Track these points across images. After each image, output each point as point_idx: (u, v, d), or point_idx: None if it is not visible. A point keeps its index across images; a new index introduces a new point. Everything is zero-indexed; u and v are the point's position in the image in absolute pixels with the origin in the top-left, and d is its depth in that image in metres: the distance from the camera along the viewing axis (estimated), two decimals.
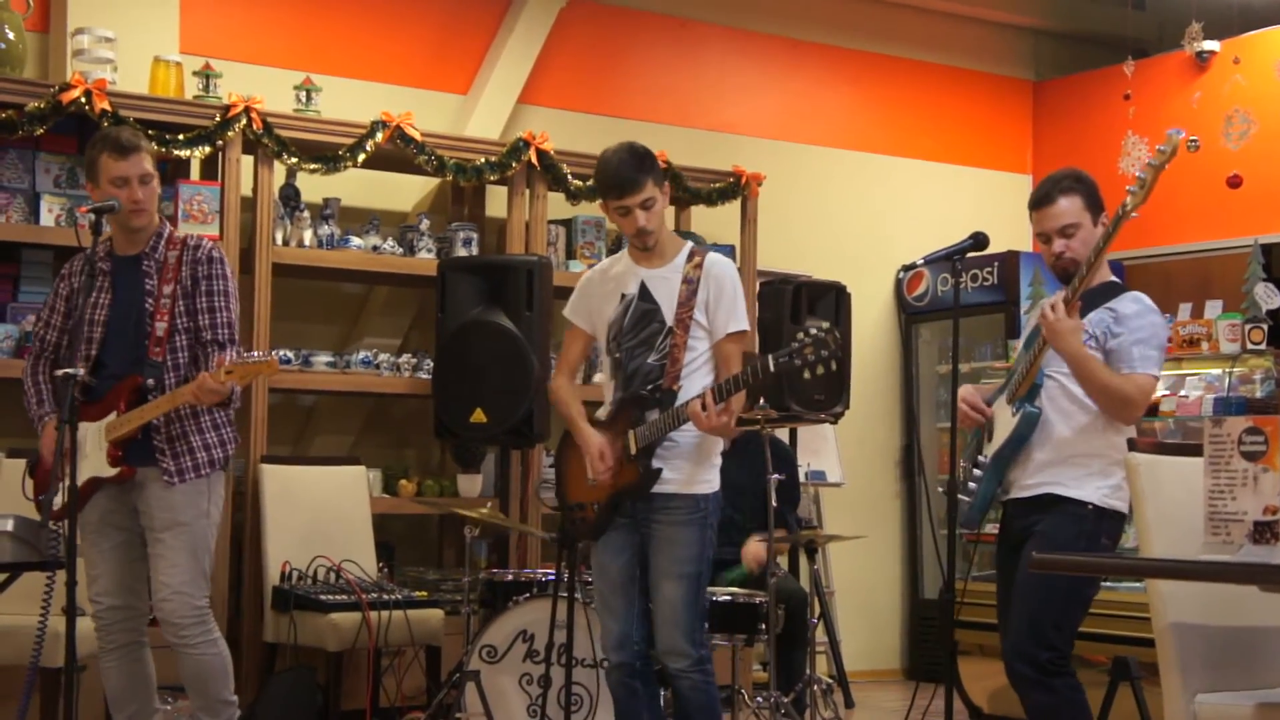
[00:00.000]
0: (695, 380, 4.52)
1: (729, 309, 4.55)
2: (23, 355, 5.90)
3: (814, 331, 4.29)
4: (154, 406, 4.58)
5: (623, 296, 4.63)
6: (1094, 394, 4.29)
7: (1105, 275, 4.47)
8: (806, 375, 4.31)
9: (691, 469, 4.53)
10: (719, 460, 4.62)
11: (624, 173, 4.52)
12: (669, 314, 4.55)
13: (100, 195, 4.66)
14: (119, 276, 4.73)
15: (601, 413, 4.68)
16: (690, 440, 4.52)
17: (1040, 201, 4.47)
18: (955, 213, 8.83)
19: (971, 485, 4.50)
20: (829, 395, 7.03)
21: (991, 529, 8.21)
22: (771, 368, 4.33)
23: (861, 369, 8.06)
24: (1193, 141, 7.88)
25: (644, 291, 4.60)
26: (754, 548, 6.02)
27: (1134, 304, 4.38)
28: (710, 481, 4.57)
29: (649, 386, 4.53)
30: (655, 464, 4.49)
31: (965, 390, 4.62)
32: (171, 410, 4.60)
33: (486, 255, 7.04)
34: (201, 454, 4.68)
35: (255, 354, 4.51)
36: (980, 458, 4.52)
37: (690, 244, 4.72)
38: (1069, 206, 4.42)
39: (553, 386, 4.86)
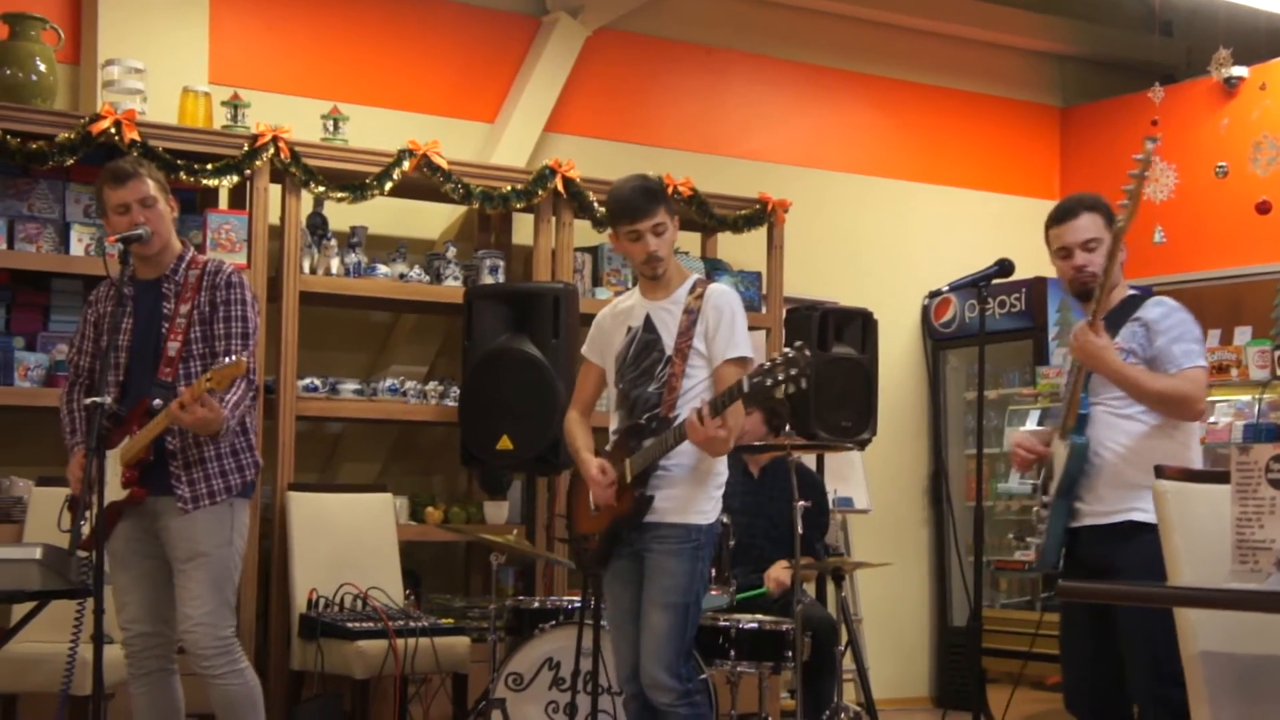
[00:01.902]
0: (693, 408, 4.53)
1: (727, 336, 4.55)
2: (53, 384, 5.94)
3: (787, 350, 4.31)
4: (154, 426, 4.56)
5: (629, 329, 4.66)
6: (1150, 403, 4.27)
7: (1123, 291, 4.48)
8: (779, 394, 4.33)
9: (685, 496, 4.51)
10: (717, 492, 4.60)
11: (636, 198, 4.56)
12: (669, 344, 4.57)
13: (110, 227, 4.70)
14: (140, 302, 4.75)
15: (608, 446, 4.70)
16: (684, 466, 4.51)
17: (1063, 216, 4.49)
18: (982, 239, 8.80)
19: (1041, 527, 4.47)
20: (856, 422, 7.02)
21: (1021, 556, 8.23)
22: (745, 388, 4.34)
23: (889, 395, 8.04)
24: (1221, 167, 7.87)
25: (648, 323, 4.63)
26: (777, 571, 6.01)
27: (1158, 307, 4.40)
28: (706, 512, 4.54)
29: (646, 415, 4.54)
30: (648, 492, 4.49)
31: (1019, 435, 4.65)
32: (190, 436, 4.60)
33: (513, 283, 7.06)
34: (218, 480, 4.67)
35: (228, 359, 4.48)
36: (1044, 498, 4.49)
37: (696, 276, 4.75)
38: (1091, 223, 4.45)
39: (565, 422, 4.88)
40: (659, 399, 4.54)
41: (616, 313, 4.76)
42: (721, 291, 4.64)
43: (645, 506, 4.49)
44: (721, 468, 4.60)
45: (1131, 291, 4.51)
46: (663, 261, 4.60)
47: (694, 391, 4.54)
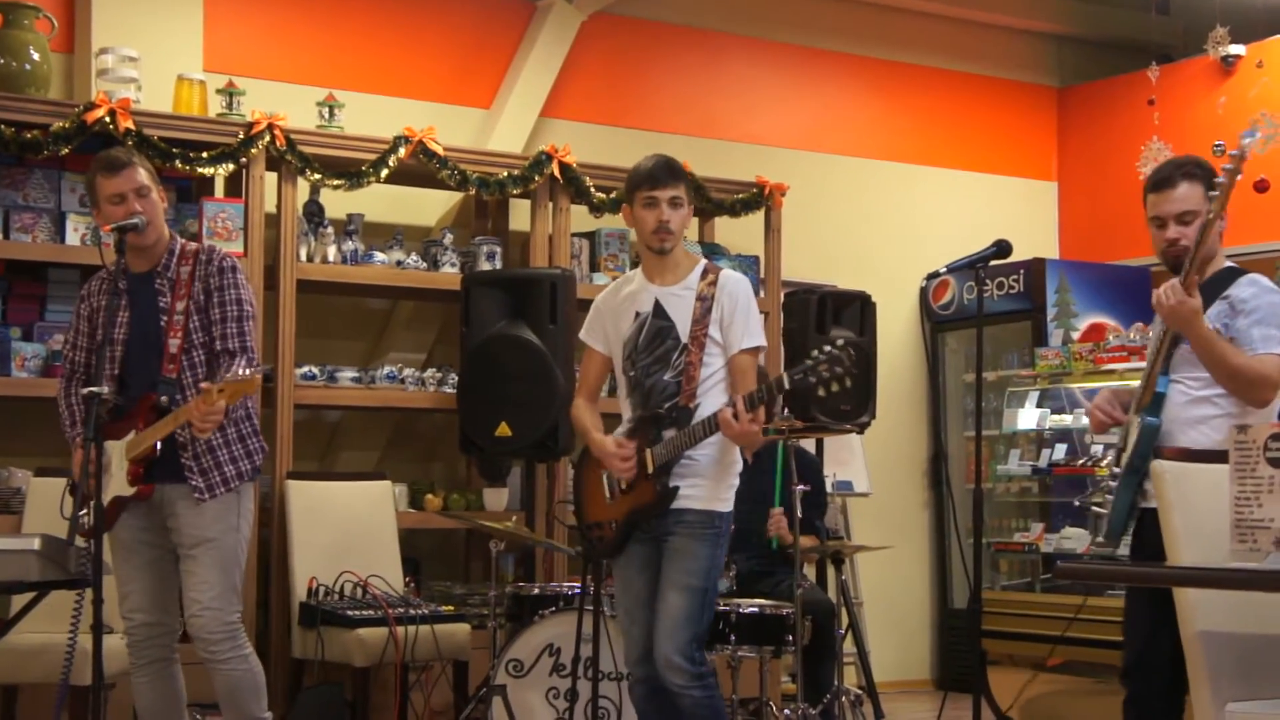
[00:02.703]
0: (711, 397, 4.52)
1: (742, 325, 4.55)
2: (50, 374, 5.94)
3: (829, 348, 4.29)
4: (161, 425, 4.58)
5: (637, 315, 4.63)
6: (1223, 377, 4.15)
7: (1220, 263, 4.31)
8: (821, 393, 4.32)
9: (709, 486, 4.53)
10: (736, 480, 4.61)
11: (659, 169, 4.59)
12: (684, 331, 4.55)
13: (102, 218, 4.69)
14: (135, 294, 4.74)
15: (619, 431, 4.67)
16: (709, 458, 4.52)
17: (1161, 184, 4.30)
18: (980, 220, 8.81)
19: (1109, 498, 4.33)
20: (855, 405, 7.01)
21: (1020, 538, 8.23)
22: (786, 385, 4.34)
23: (887, 378, 8.03)
24: (1218, 146, 7.85)
25: (658, 309, 4.60)
26: (779, 518, 5.99)
27: (1250, 287, 4.25)
28: (727, 500, 4.57)
29: (666, 404, 4.53)
30: (672, 483, 4.49)
31: (1101, 396, 4.46)
32: None
33: (510, 269, 7.05)
34: (229, 468, 4.69)
35: (241, 371, 4.49)
36: (1115, 469, 4.35)
37: (705, 261, 4.73)
38: (1189, 193, 4.25)
39: (572, 408, 4.86)
40: (677, 387, 4.53)
41: (620, 297, 4.73)
42: (736, 279, 4.63)
43: (670, 497, 4.49)
44: (739, 457, 4.62)
45: (1229, 264, 4.34)
46: (672, 235, 4.59)
47: (711, 380, 4.54)
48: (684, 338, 4.54)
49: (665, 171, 4.58)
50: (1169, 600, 4.22)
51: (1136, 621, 4.34)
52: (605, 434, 4.64)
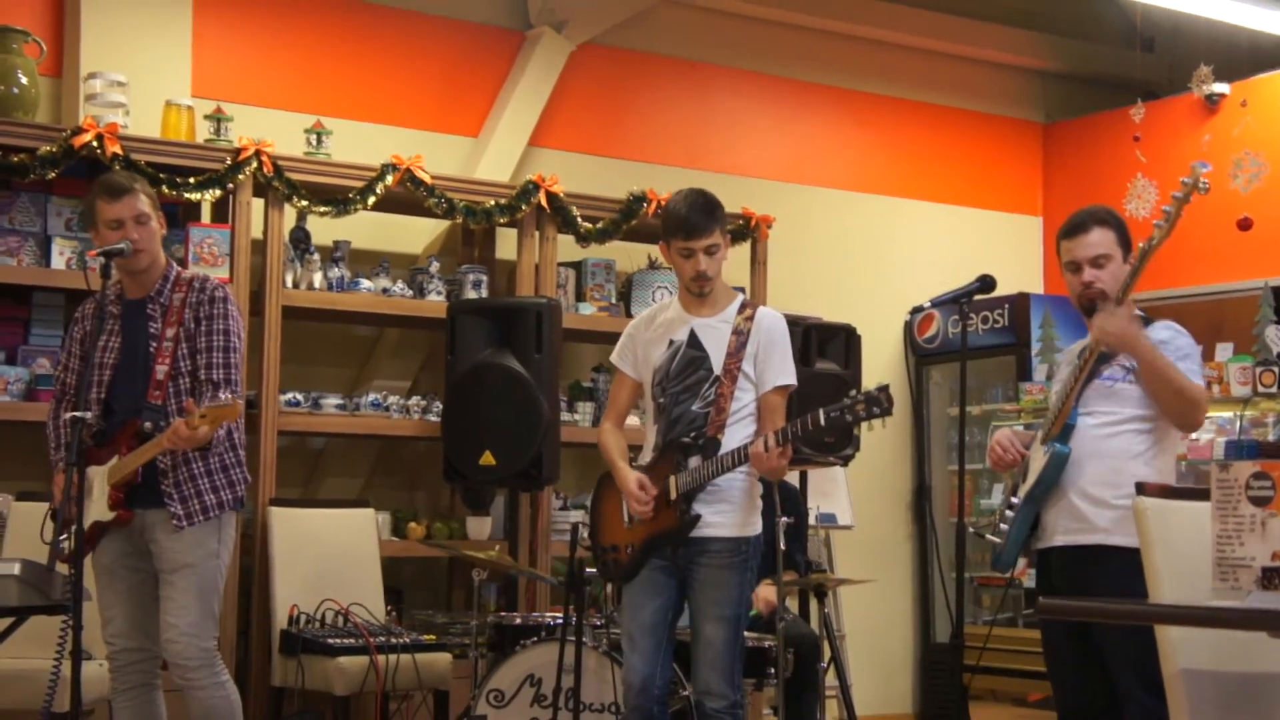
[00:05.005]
0: (738, 430, 4.56)
1: (780, 364, 4.61)
2: (33, 398, 5.92)
3: (871, 390, 4.36)
4: (143, 451, 4.57)
5: (671, 342, 4.66)
6: (1168, 394, 4.24)
7: (1132, 310, 4.41)
8: (856, 432, 4.39)
9: (737, 513, 4.58)
10: (761, 504, 4.68)
11: (694, 216, 4.57)
12: (717, 363, 4.59)
13: (101, 241, 4.70)
14: (127, 320, 4.75)
15: (643, 457, 4.69)
16: (737, 485, 4.57)
17: (1073, 230, 4.43)
18: (965, 255, 8.83)
19: (1004, 527, 4.44)
20: (839, 438, 7.00)
21: (1014, 572, 8.21)
22: (822, 421, 4.38)
23: None
24: (1203, 184, 7.87)
25: (693, 339, 4.63)
26: (765, 591, 5.99)
27: (1166, 330, 4.39)
28: (754, 525, 4.63)
29: (693, 434, 4.55)
30: (695, 510, 4.51)
31: (1001, 433, 4.57)
32: (180, 453, 4.59)
33: (496, 297, 7.05)
34: (209, 496, 4.68)
35: (223, 397, 4.48)
36: (1013, 499, 4.45)
37: (743, 296, 4.78)
38: (1102, 238, 4.39)
39: (600, 432, 4.88)
40: (704, 419, 4.56)
41: (656, 324, 4.75)
42: (773, 316, 4.68)
43: (691, 524, 4.52)
44: (759, 485, 4.68)
45: (1138, 312, 4.44)
46: (711, 281, 4.62)
47: (742, 413, 4.58)
48: (717, 369, 4.58)
49: (701, 217, 4.57)
50: (1090, 648, 4.26)
51: (1060, 671, 4.39)
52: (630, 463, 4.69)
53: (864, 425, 6.78)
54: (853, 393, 4.40)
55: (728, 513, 4.55)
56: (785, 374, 4.61)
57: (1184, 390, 4.25)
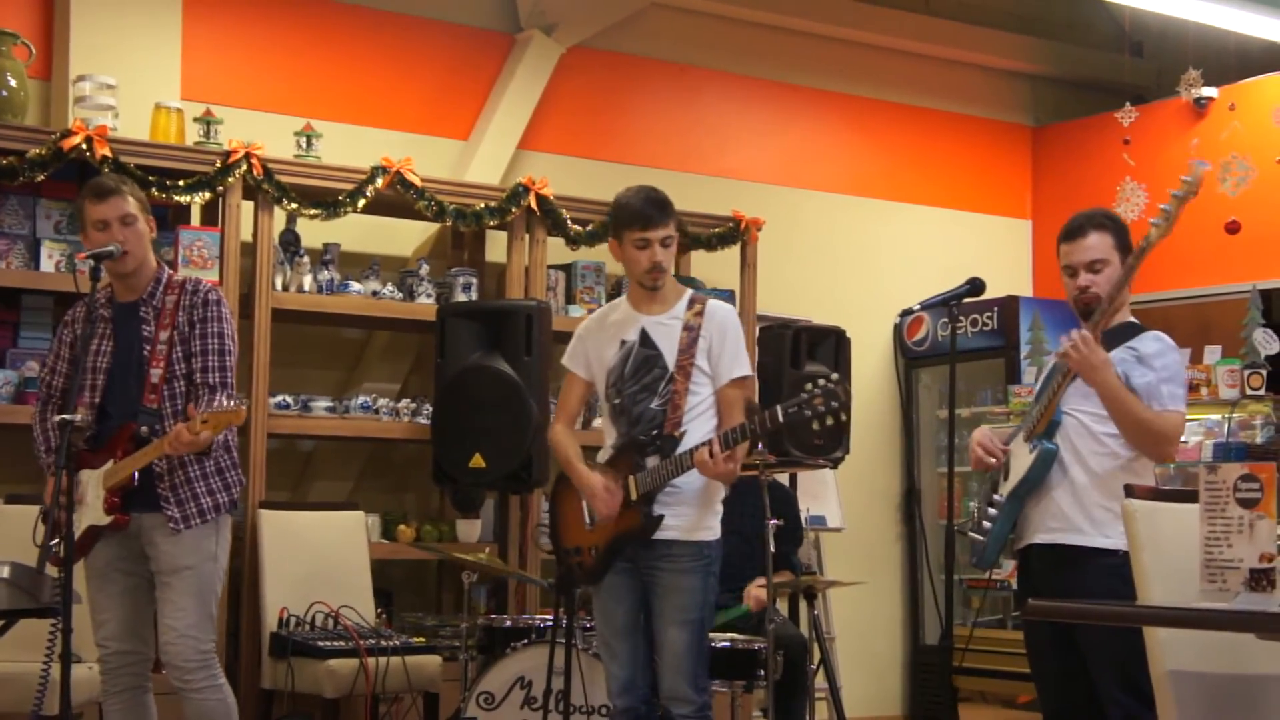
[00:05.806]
0: (698, 426, 4.54)
1: (732, 355, 4.58)
2: (22, 401, 5.91)
3: (824, 383, 4.30)
4: (141, 456, 4.56)
5: (623, 343, 4.65)
6: (1130, 430, 4.22)
7: (1125, 315, 4.42)
8: (815, 426, 4.33)
9: (695, 515, 4.54)
10: (720, 508, 4.64)
11: (649, 209, 4.58)
12: (670, 360, 4.57)
13: (89, 243, 4.69)
14: (119, 324, 4.74)
15: (601, 456, 4.68)
16: (694, 486, 4.53)
17: (1071, 234, 4.41)
18: (955, 258, 8.83)
19: (986, 524, 4.43)
20: (829, 440, 7.01)
21: (992, 574, 8.23)
22: (780, 418, 4.35)
23: (862, 414, 8.04)
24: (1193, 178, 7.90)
25: (644, 338, 4.62)
26: (755, 589, 6.00)
27: (1156, 343, 4.35)
28: (713, 528, 4.59)
29: (652, 432, 4.54)
30: (657, 510, 4.49)
31: (979, 432, 4.55)
32: (177, 457, 4.59)
33: (486, 300, 7.05)
34: (206, 499, 4.67)
35: (226, 403, 4.48)
36: (995, 496, 4.44)
37: (691, 291, 4.75)
38: (1099, 242, 4.36)
39: (551, 433, 4.86)
40: (663, 416, 4.54)
41: (605, 325, 4.74)
42: (724, 309, 4.66)
43: (655, 525, 4.50)
44: (721, 485, 4.63)
45: (1133, 319, 4.46)
46: (664, 274, 4.62)
47: (699, 409, 4.56)
48: (670, 367, 4.56)
49: (656, 210, 4.58)
50: (1073, 649, 4.26)
51: (1044, 673, 4.40)
52: (587, 463, 4.64)
53: (854, 426, 6.76)
54: (809, 386, 4.34)
55: (686, 515, 4.53)
56: (740, 366, 4.58)
57: (1145, 424, 4.22)
